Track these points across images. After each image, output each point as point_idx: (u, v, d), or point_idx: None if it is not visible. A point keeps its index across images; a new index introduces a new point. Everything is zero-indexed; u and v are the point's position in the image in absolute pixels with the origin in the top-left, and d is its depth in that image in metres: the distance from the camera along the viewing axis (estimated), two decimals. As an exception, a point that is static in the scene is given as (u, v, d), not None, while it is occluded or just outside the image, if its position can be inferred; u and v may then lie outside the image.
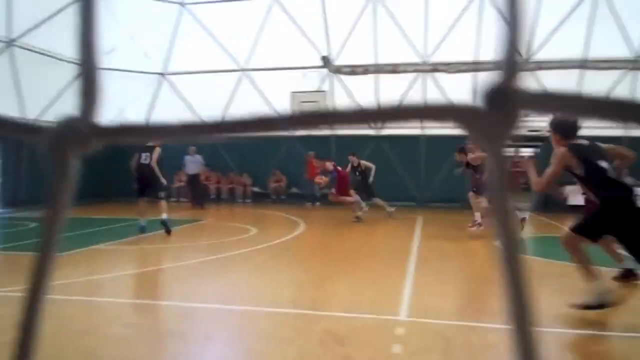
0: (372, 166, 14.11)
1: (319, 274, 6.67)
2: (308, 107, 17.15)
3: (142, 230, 9.86)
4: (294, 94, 17.49)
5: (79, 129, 0.51)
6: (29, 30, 15.32)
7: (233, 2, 18.46)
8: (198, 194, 17.31)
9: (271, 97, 18.47)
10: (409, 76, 17.35)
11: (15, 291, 5.59)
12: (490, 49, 16.26)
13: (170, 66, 19.65)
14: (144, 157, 10.36)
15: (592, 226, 4.65)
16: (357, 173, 13.93)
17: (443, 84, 17.23)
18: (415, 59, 17.25)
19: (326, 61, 17.53)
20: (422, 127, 17.74)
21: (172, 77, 19.74)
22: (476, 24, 16.46)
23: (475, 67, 16.69)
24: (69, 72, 17.65)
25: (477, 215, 10.57)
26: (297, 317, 4.70)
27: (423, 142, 17.71)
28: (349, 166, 14.05)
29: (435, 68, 16.88)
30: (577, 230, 4.62)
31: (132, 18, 18.42)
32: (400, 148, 17.93)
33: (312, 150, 17.86)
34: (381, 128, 18.05)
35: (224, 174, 19.30)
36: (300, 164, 18.18)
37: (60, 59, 17.11)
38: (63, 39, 16.62)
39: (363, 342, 3.99)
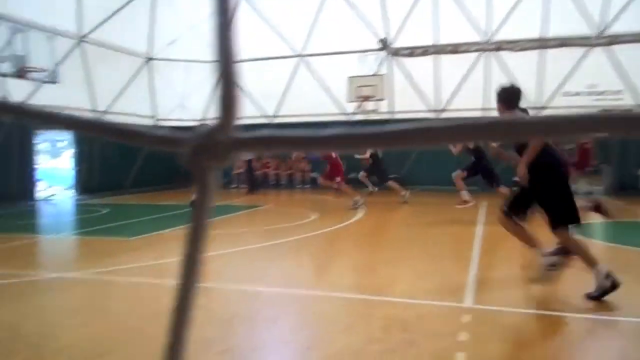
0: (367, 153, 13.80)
1: (380, 259, 6.62)
2: (366, 91, 16.98)
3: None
4: (351, 78, 17.33)
5: (219, 141, 0.50)
6: (99, 25, 15.96)
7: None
8: (251, 180, 17.62)
9: (328, 82, 18.42)
10: (471, 56, 16.75)
11: (94, 273, 5.91)
12: (559, 25, 15.47)
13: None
14: None
15: (515, 200, 4.93)
16: (369, 156, 13.72)
17: (508, 62, 16.52)
18: (477, 37, 16.61)
19: (384, 43, 17.23)
20: (483, 109, 17.16)
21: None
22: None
23: (541, 44, 15.90)
24: (136, 64, 18.37)
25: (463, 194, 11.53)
26: (360, 303, 4.68)
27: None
28: None
29: (499, 47, 16.19)
30: (505, 209, 4.94)
31: (191, 8, 18.83)
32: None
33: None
34: (441, 110, 17.62)
35: (283, 160, 19.51)
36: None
37: (128, 53, 17.80)
38: (129, 32, 17.29)
39: (428, 328, 3.91)
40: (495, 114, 16.78)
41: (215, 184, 0.53)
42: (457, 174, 11.74)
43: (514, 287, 5.19)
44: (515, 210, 4.93)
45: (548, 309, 4.43)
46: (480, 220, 9.98)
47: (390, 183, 13.52)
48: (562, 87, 16.28)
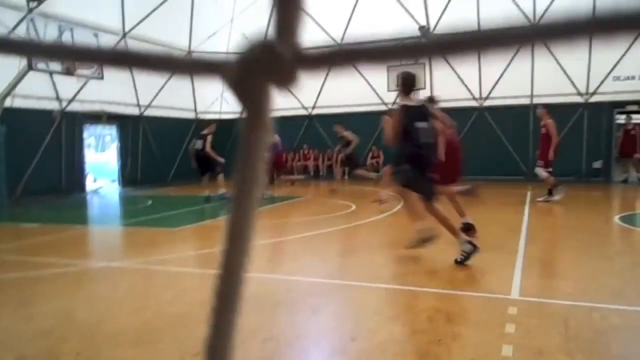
0: (355, 139, 14.20)
1: (422, 250, 6.52)
2: (406, 80, 16.70)
3: (207, 200, 12.08)
4: (390, 67, 17.10)
5: (279, 54, 0.39)
6: (141, 21, 16.32)
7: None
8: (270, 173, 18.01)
9: (367, 71, 18.23)
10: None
11: (142, 263, 6.08)
12: (611, 5, 14.79)
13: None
14: (199, 144, 12.45)
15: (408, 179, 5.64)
16: (343, 145, 14.19)
17: (555, 48, 15.92)
18: (524, 21, 16.04)
19: (424, 31, 16.89)
20: (529, 97, 16.65)
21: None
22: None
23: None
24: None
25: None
26: (404, 294, 4.63)
27: (532, 112, 16.60)
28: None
29: (545, 31, 15.60)
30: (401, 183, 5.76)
31: (230, 1, 18.98)
32: (506, 119, 16.93)
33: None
34: (484, 99, 17.20)
35: (322, 151, 19.50)
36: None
37: (169, 47, 18.13)
38: (170, 26, 17.61)
39: (473, 320, 3.83)
40: (541, 101, 16.24)
41: (270, 117, 0.41)
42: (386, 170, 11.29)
43: (561, 277, 5.02)
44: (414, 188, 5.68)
45: (597, 300, 4.26)
46: (526, 210, 9.71)
47: (358, 171, 14.17)
48: (613, 71, 15.59)
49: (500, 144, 16.91)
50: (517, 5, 16.11)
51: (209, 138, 12.38)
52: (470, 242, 5.46)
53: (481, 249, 6.40)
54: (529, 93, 16.55)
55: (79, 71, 12.66)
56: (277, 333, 3.72)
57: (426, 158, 5.69)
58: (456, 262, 5.42)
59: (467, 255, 5.39)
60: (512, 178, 16.35)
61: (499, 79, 16.76)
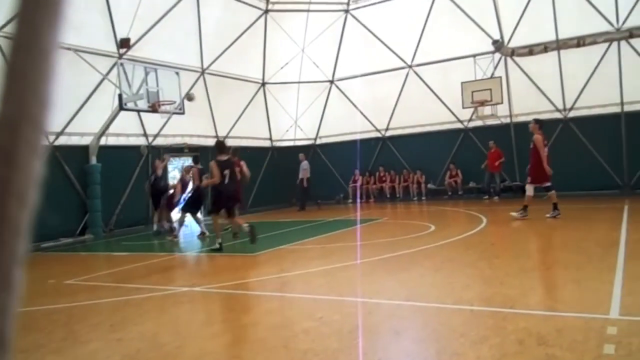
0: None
1: (508, 270, 6.16)
2: (481, 95, 16.25)
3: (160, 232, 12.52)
4: (465, 84, 16.70)
5: None
6: (218, 57, 17.16)
7: (395, 1, 18.37)
8: (303, 197, 18.04)
9: (440, 90, 17.93)
10: (599, 48, 15.26)
11: (223, 287, 6.21)
12: None
13: (338, 72, 20.28)
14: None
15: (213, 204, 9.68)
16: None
17: (643, 50, 14.82)
18: (605, 27, 15.12)
19: (498, 45, 16.38)
20: (619, 104, 15.56)
21: (340, 83, 20.35)
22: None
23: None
24: (252, 90, 19.41)
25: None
26: (490, 315, 4.36)
27: (623, 120, 15.44)
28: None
29: (632, 34, 14.55)
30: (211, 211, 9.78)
31: (301, 32, 19.51)
32: (594, 129, 15.86)
33: (491, 140, 16.88)
34: (569, 110, 16.31)
35: (398, 172, 19.25)
36: (476, 156, 17.28)
37: (244, 79, 18.89)
38: (244, 60, 18.37)
39: (568, 341, 3.52)
40: (632, 108, 15.13)
41: None
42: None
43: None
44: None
45: None
46: (624, 224, 8.95)
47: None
48: None
49: (590, 156, 15.84)
50: (598, 10, 15.21)
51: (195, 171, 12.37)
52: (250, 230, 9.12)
53: (571, 267, 5.95)
54: (618, 100, 15.45)
55: (163, 107, 13.45)
56: (357, 356, 3.62)
57: (230, 192, 9.34)
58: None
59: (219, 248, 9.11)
60: (605, 192, 15.23)
61: (583, 88, 15.81)
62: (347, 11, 19.25)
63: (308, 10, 19.08)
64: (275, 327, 4.42)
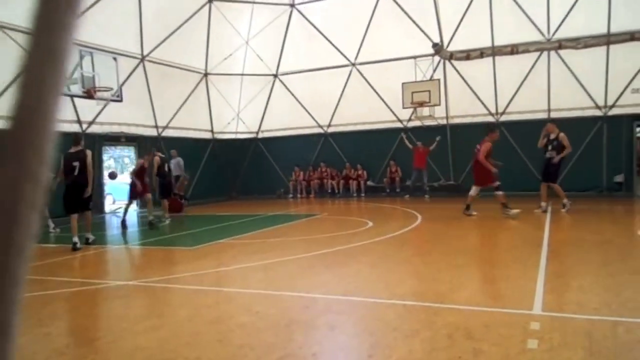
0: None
1: (440, 266, 6.42)
2: (420, 97, 16.72)
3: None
4: (405, 84, 17.13)
5: None
6: (159, 45, 16.63)
7: (340, -2, 18.51)
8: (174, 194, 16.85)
9: (383, 90, 18.28)
10: (531, 56, 16.12)
11: (158, 281, 6.08)
12: (625, 18, 14.64)
13: (282, 67, 20.22)
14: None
15: None
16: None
17: (570, 61, 15.78)
18: (537, 37, 15.98)
19: (438, 48, 16.91)
20: (546, 111, 16.50)
21: (284, 77, 20.31)
22: (607, -8, 14.87)
23: (607, 39, 15.09)
24: (194, 80, 18.96)
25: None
26: (422, 310, 4.54)
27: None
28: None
29: (561, 45, 15.49)
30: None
31: (244, 24, 19.28)
32: (523, 133, 16.74)
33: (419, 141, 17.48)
34: (500, 114, 17.07)
35: (338, 168, 19.49)
36: (412, 155, 17.80)
37: (186, 69, 18.42)
38: (187, 50, 17.91)
39: (494, 336, 3.72)
40: (557, 115, 16.12)
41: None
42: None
43: (584, 292, 4.88)
44: None
45: (622, 315, 4.12)
46: (547, 226, 9.53)
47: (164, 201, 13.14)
48: (631, 83, 15.37)
49: (519, 159, 16.70)
50: (531, 20, 16.05)
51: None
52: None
53: (499, 265, 6.29)
54: (545, 107, 16.39)
55: (99, 94, 12.91)
56: (293, 350, 3.67)
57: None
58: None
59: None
60: (532, 194, 16.13)
61: (515, 93, 16.64)
62: (292, 6, 19.21)
63: (253, 2, 18.87)
64: (211, 321, 4.39)
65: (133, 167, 12.88)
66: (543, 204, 11.55)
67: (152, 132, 17.44)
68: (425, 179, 17.32)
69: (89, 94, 12.59)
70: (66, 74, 0.51)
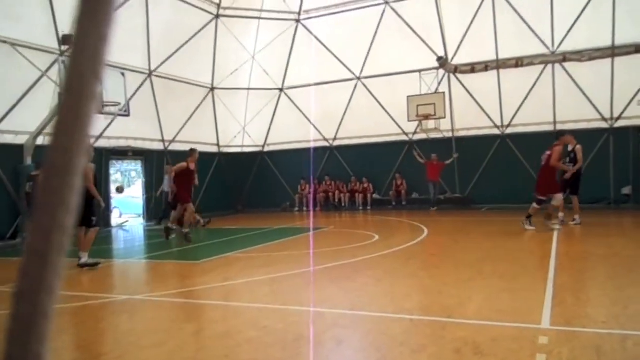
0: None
1: (447, 280, 6.39)
2: (425, 110, 16.77)
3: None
4: (411, 97, 17.20)
5: None
6: (166, 60, 16.82)
7: (345, 13, 18.69)
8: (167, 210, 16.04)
9: (387, 103, 18.35)
10: (536, 69, 16.16)
11: (166, 295, 6.09)
12: (630, 30, 14.67)
13: (288, 81, 20.36)
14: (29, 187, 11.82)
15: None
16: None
17: (575, 73, 15.80)
18: (541, 50, 16.04)
19: (442, 61, 17.00)
20: (552, 123, 16.48)
21: (290, 91, 20.44)
22: (611, 5, 14.92)
23: (612, 52, 15.12)
24: (201, 94, 19.12)
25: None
26: (429, 325, 4.52)
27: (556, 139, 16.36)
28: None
29: (565, 57, 15.52)
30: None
31: (251, 39, 19.46)
32: (528, 145, 16.73)
33: (434, 153, 17.41)
34: (506, 127, 17.06)
35: (344, 182, 19.51)
36: (420, 168, 17.80)
37: (193, 84, 18.58)
38: (194, 64, 18.09)
39: (502, 351, 3.70)
40: (563, 127, 16.11)
41: None
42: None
43: (593, 305, 4.84)
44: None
45: (631, 328, 4.08)
46: (555, 239, 9.47)
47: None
48: (637, 95, 15.34)
49: (525, 171, 16.66)
50: (535, 34, 16.11)
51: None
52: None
53: (507, 278, 6.24)
54: (551, 120, 16.38)
55: (107, 108, 13.04)
56: (300, 365, 3.65)
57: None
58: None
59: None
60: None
61: (520, 106, 16.65)
62: (298, 21, 19.40)
63: (259, 18, 19.08)
64: (218, 336, 4.38)
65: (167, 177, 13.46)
66: (577, 216, 11.42)
67: (159, 146, 17.56)
68: (436, 192, 17.27)
69: (97, 109, 12.72)
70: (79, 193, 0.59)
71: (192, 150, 11.45)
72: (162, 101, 17.16)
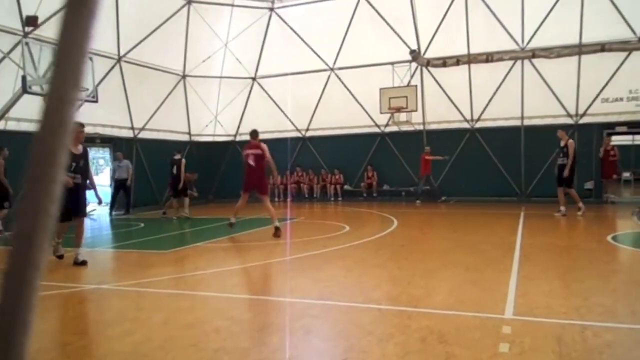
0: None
1: (416, 270, 6.50)
2: (398, 102, 16.90)
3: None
4: (383, 90, 17.30)
5: None
6: (136, 45, 16.45)
7: (320, 3, 18.60)
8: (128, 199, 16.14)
9: (361, 95, 18.41)
10: (505, 64, 16.45)
11: (133, 285, 6.01)
12: (596, 29, 15.06)
13: (260, 70, 20.20)
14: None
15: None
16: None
17: (543, 70, 16.15)
18: (511, 45, 16.33)
19: (415, 55, 17.13)
20: (520, 118, 16.82)
21: (263, 81, 20.29)
22: (579, 4, 15.26)
23: (579, 50, 15.49)
24: (172, 82, 18.80)
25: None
26: (396, 314, 4.59)
27: (523, 134, 16.74)
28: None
29: (534, 54, 15.85)
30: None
31: (224, 26, 19.20)
32: (497, 139, 17.07)
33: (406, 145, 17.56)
34: (475, 121, 17.34)
35: (316, 173, 19.54)
36: (391, 160, 17.97)
37: (164, 71, 18.24)
38: (165, 51, 17.75)
39: (467, 340, 3.80)
40: (530, 122, 16.52)
41: None
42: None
43: (555, 296, 5.01)
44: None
45: (590, 319, 4.24)
46: (519, 231, 9.72)
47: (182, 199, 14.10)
48: (601, 93, 15.80)
49: (493, 165, 17.01)
50: (506, 29, 16.38)
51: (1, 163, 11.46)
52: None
53: (472, 269, 6.39)
54: (519, 115, 16.73)
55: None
56: (268, 354, 3.67)
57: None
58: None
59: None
60: (505, 199, 16.42)
61: (489, 101, 16.95)
62: (272, 9, 19.22)
63: (232, 5, 18.82)
64: (186, 326, 4.36)
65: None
66: (562, 208, 11.91)
67: (128, 134, 17.23)
68: (424, 184, 17.09)
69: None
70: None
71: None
72: (132, 88, 16.81)
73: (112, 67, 16.06)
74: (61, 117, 0.66)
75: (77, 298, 5.62)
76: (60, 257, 7.65)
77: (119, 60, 16.24)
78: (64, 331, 4.44)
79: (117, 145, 16.73)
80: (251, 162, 10.01)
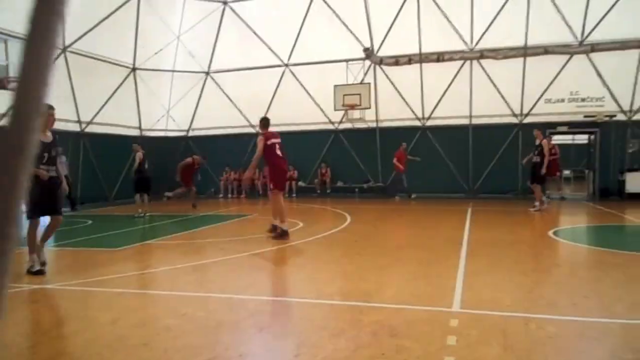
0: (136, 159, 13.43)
1: (367, 266, 6.61)
2: (351, 99, 17.05)
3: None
4: (337, 87, 17.42)
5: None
6: (83, 35, 15.85)
7: (274, -2, 18.50)
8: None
9: (314, 91, 18.47)
10: (455, 64, 16.92)
11: (80, 284, 5.83)
12: (541, 33, 15.70)
13: (214, 64, 19.91)
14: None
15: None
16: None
17: (491, 70, 16.72)
18: (461, 46, 16.80)
19: (368, 53, 17.34)
20: (468, 117, 17.32)
21: (216, 75, 20.01)
22: (525, 8, 15.87)
23: (524, 52, 16.12)
24: (121, 75, 18.22)
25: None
26: (348, 309, 4.67)
27: (471, 132, 17.27)
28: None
29: (483, 54, 16.38)
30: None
31: (176, 19, 18.79)
32: (446, 138, 17.56)
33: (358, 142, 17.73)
34: (426, 119, 17.73)
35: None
36: (344, 157, 18.14)
37: (113, 63, 17.67)
38: (114, 42, 17.18)
39: (416, 333, 3.91)
40: (478, 121, 17.00)
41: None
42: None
43: (500, 290, 5.22)
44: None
45: (534, 311, 4.46)
46: (467, 226, 10.04)
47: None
48: (545, 94, 16.52)
49: (442, 162, 17.47)
50: (456, 30, 16.83)
51: None
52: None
53: (422, 264, 6.57)
54: (467, 114, 17.24)
55: (13, 85, 12.13)
56: (220, 352, 3.66)
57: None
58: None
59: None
60: (453, 196, 16.89)
61: (440, 100, 17.38)
62: (225, 3, 18.97)
63: (185, -3, 18.46)
64: (135, 325, 4.28)
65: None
66: (537, 202, 12.48)
67: (75, 128, 16.60)
68: (400, 181, 17.06)
69: (1, 84, 11.81)
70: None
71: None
72: (79, 80, 16.19)
73: (57, 58, 15.40)
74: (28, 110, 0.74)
75: (20, 298, 5.40)
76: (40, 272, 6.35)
77: (64, 50, 15.60)
78: (7, 332, 4.26)
79: (61, 139, 16.05)
80: (280, 152, 8.86)
